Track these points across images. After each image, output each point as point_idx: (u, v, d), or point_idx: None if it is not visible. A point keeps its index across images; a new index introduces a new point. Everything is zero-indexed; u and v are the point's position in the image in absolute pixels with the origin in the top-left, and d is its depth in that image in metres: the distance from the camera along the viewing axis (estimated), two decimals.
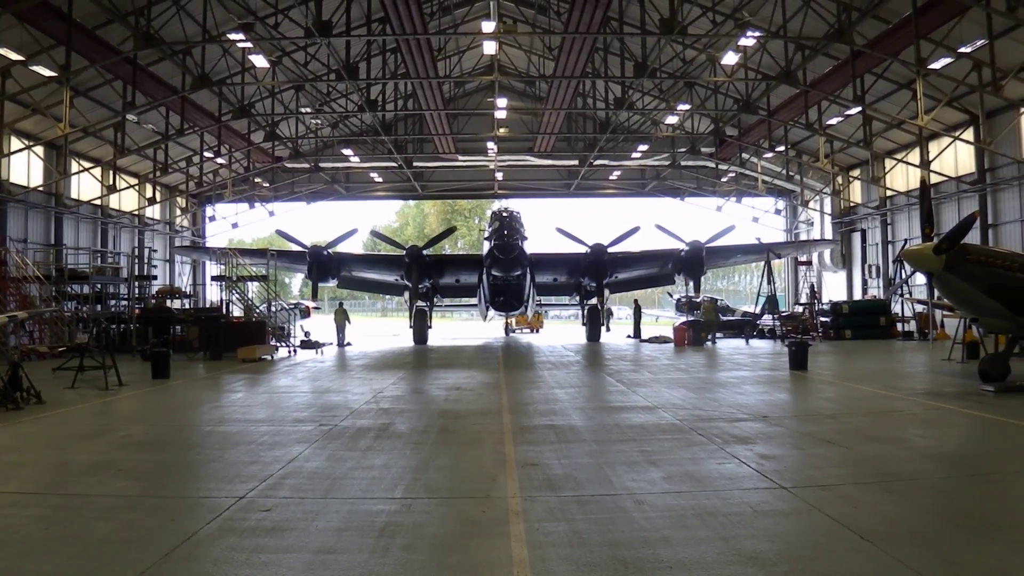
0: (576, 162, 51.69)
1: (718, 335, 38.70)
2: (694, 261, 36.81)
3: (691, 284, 39.82)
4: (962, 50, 28.47)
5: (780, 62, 33.87)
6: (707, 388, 17.88)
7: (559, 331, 57.84)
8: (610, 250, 36.72)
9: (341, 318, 39.15)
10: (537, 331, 54.93)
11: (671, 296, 54.27)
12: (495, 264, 35.39)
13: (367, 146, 51.00)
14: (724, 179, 53.80)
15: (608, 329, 54.25)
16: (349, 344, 37.84)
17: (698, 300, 43.48)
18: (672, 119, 45.37)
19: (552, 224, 37.85)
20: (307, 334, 38.81)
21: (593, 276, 37.81)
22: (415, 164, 52.05)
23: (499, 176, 54.38)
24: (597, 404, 15.66)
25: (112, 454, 10.80)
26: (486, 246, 35.32)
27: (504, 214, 34.41)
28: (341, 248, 37.88)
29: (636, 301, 47.23)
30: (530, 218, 34.74)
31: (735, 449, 10.60)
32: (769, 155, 47.22)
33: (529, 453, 10.56)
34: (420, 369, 24.86)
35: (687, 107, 42.41)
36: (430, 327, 39.72)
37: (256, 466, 9.89)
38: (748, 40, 31.47)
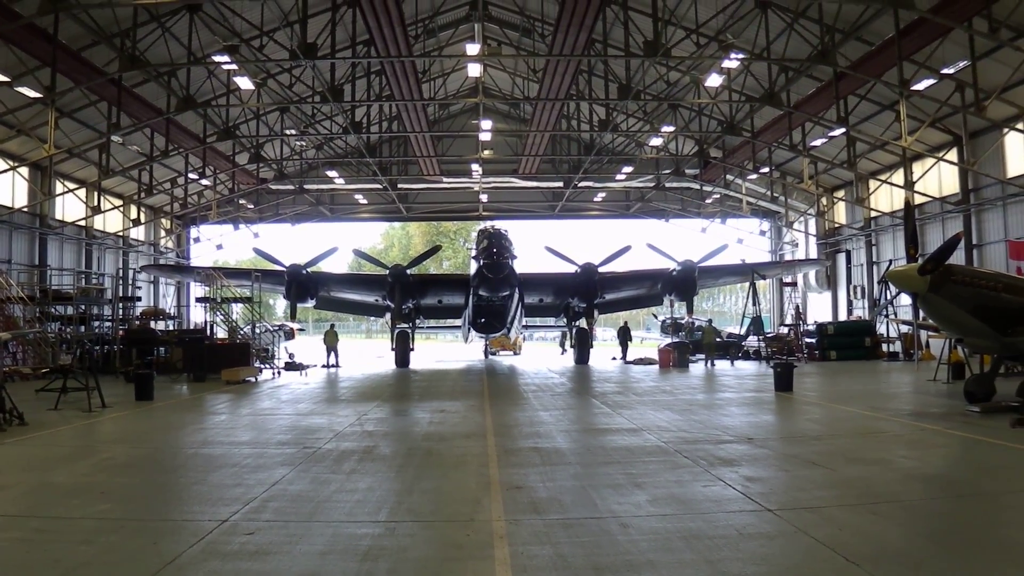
0: (561, 184, 51.73)
1: (698, 356, 38.81)
2: (687, 281, 36.60)
3: (677, 305, 39.69)
4: (945, 71, 28.67)
5: (764, 84, 34.04)
6: (692, 410, 17.83)
7: (541, 353, 57.77)
8: (600, 270, 36.53)
9: (332, 340, 39.02)
10: (517, 353, 54.90)
11: (656, 318, 54.21)
12: (483, 284, 34.89)
13: (352, 168, 50.99)
14: (709, 200, 53.90)
15: (564, 351, 54.12)
16: (339, 367, 37.72)
17: (684, 321, 43.58)
18: (656, 141, 45.54)
19: (536, 245, 38.08)
20: (291, 356, 38.67)
21: (583, 296, 37.47)
22: (400, 186, 52.11)
23: (484, 198, 54.44)
24: (582, 426, 15.65)
25: (94, 476, 10.71)
26: (473, 265, 34.93)
27: (493, 231, 33.96)
28: (322, 267, 37.64)
29: (625, 323, 47.06)
30: (516, 239, 34.55)
31: (720, 471, 10.58)
32: (753, 176, 47.39)
33: (514, 476, 10.53)
34: (404, 391, 24.82)
35: (671, 129, 42.60)
36: (412, 349, 39.63)
37: (239, 489, 9.83)
38: (732, 62, 31.55)
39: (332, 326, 42.29)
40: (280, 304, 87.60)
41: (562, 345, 56.63)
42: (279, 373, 33.01)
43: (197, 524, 8.19)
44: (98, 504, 9.11)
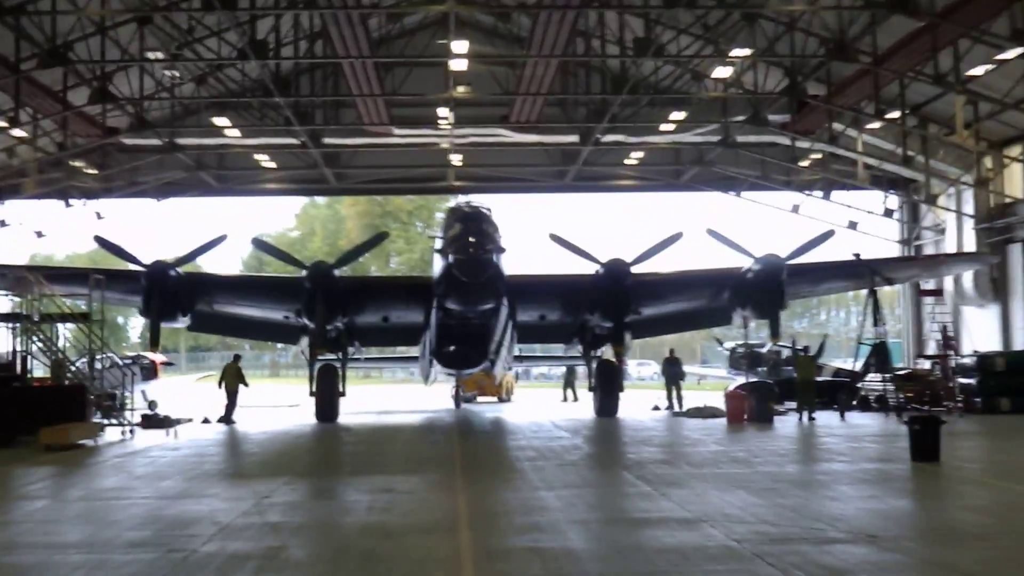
0: (575, 139, 51.45)
1: (788, 405, 39.17)
2: (769, 288, 36.61)
3: (754, 326, 39.94)
4: None
5: None
6: (780, 489, 17.97)
7: (542, 399, 58.13)
8: (635, 270, 36.65)
9: (233, 380, 39.40)
10: (505, 399, 55.31)
11: (721, 345, 54.73)
12: (454, 292, 35.03)
13: (252, 113, 50.66)
14: (805, 163, 53.81)
15: (576, 398, 54.32)
16: (232, 421, 38.17)
17: (765, 350, 43.50)
18: (723, 71, 45.32)
19: (537, 232, 37.91)
20: (153, 406, 38.48)
21: (608, 311, 37.47)
22: (326, 141, 51.87)
23: (456, 160, 54.24)
24: (607, 515, 15.85)
25: None
26: (439, 263, 34.88)
27: (470, 211, 33.85)
28: (203, 267, 37.67)
29: (673, 353, 46.69)
30: (505, 222, 34.57)
31: None
32: (875, 125, 47.04)
33: None
34: (330, 459, 25.33)
35: (747, 52, 42.36)
36: (343, 394, 39.99)
37: None
38: None
39: (236, 358, 42.50)
40: (136, 324, 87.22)
41: (568, 387, 57.37)
42: (133, 432, 32.98)
43: None
44: None
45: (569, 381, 57.20)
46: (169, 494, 18.60)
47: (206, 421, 37.88)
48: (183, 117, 51.35)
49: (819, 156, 53.07)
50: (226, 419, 38.02)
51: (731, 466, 21.77)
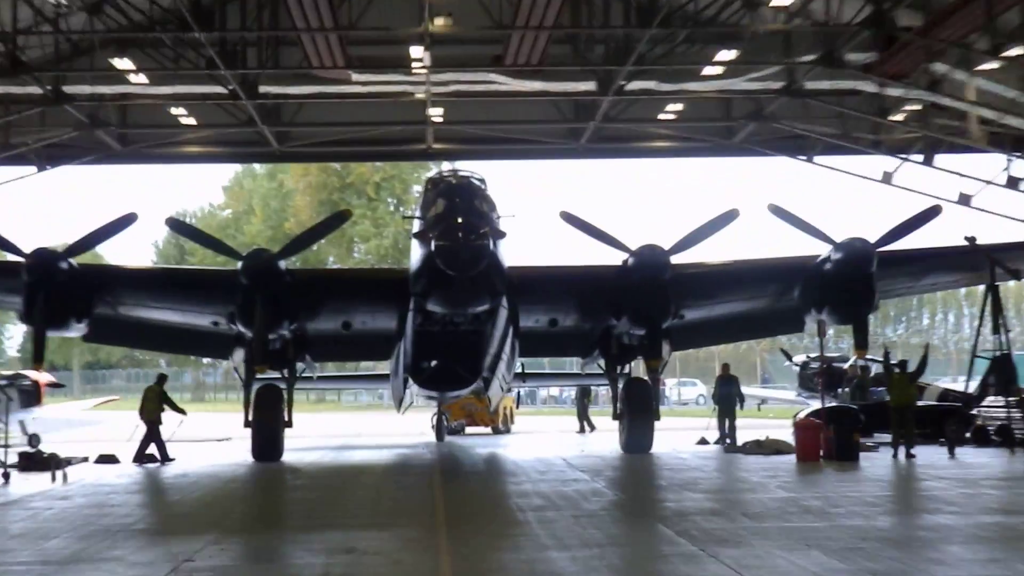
0: (592, 86, 50.91)
1: (878, 437, 39.45)
2: (853, 282, 36.82)
3: (832, 333, 39.93)
4: None
5: None
6: (868, 550, 17.81)
7: (551, 430, 58.63)
8: (675, 260, 37.01)
9: (154, 405, 40.00)
10: (502, 429, 56.24)
11: (790, 360, 55.02)
12: (437, 288, 34.49)
13: (164, 53, 50.07)
14: (898, 116, 53.31)
15: (591, 427, 54.60)
16: (161, 460, 38.79)
17: (848, 365, 43.72)
18: None
19: (545, 210, 37.86)
20: (34, 440, 38.52)
21: (639, 314, 37.85)
22: (263, 90, 51.41)
23: (436, 116, 53.92)
24: None
25: None
26: (416, 252, 34.77)
27: (457, 183, 33.93)
28: (104, 256, 37.74)
29: (727, 370, 47.35)
30: (502, 197, 34.69)
31: None
32: (991, 66, 46.97)
33: None
34: (272, 511, 25.48)
35: None
36: (289, 424, 40.40)
37: None
38: None
39: (160, 379, 42.86)
40: (15, 333, 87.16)
41: (583, 418, 57.92)
42: (7, 476, 33.25)
43: None
44: None
45: (582, 406, 57.73)
46: (56, 558, 18.48)
47: (163, 459, 38.56)
48: (72, 58, 50.48)
49: (917, 108, 52.38)
50: (139, 457, 38.36)
51: (803, 518, 21.69)
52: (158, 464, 38.03)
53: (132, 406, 38.77)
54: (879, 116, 53.28)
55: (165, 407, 40.66)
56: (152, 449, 38.95)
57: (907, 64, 47.35)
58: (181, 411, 40.94)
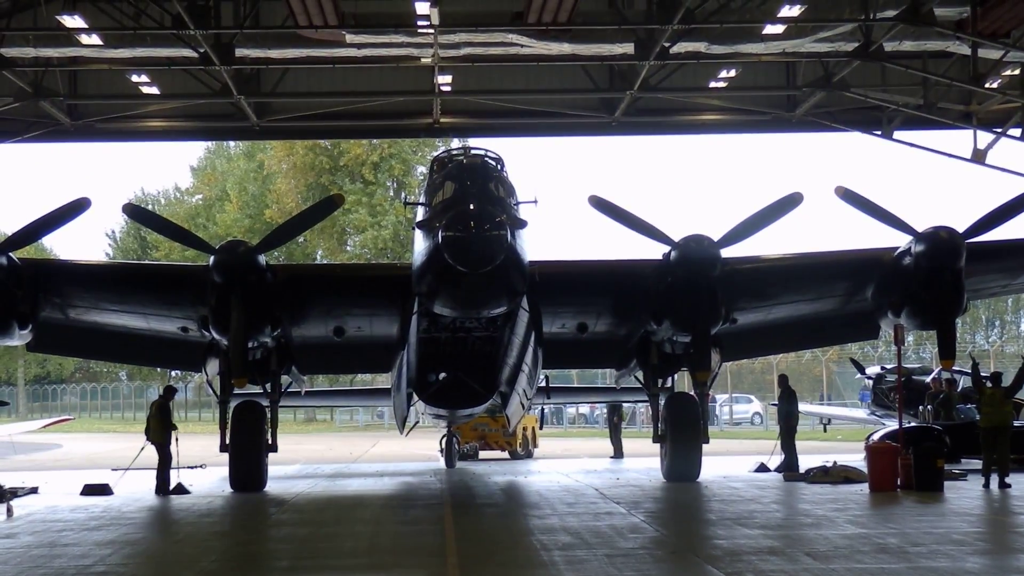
0: (630, 48, 49.00)
1: (967, 464, 39.44)
2: (937, 279, 35.54)
3: (913, 339, 37.66)
4: None
5: None
6: None
7: (582, 453, 60.14)
8: (726, 253, 36.08)
9: (159, 424, 39.73)
10: (522, 454, 56.70)
11: (861, 372, 54.56)
12: (445, 287, 33.49)
13: (121, 8, 48.03)
14: (993, 84, 51.66)
15: (620, 453, 57.11)
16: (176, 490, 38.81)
17: (931, 379, 43.79)
18: None
19: (574, 195, 35.75)
20: None
21: (684, 317, 36.84)
22: (240, 54, 49.31)
23: (445, 84, 52.45)
24: None
25: None
26: (421, 245, 33.60)
27: (468, 163, 33.03)
28: (53, 250, 36.04)
29: (784, 379, 45.96)
30: (522, 179, 34.02)
31: None
32: None
33: None
34: (252, 550, 25.36)
35: None
36: (273, 448, 39.71)
37: None
38: None
39: (167, 391, 42.62)
40: None
41: (614, 435, 58.18)
42: None
43: None
44: None
45: (613, 425, 57.20)
46: None
47: (163, 491, 38.48)
48: (11, 14, 48.41)
49: (1015, 73, 50.85)
50: (161, 487, 38.43)
51: (877, 559, 21.13)
52: (182, 491, 38.18)
53: (87, 427, 37.85)
54: (971, 83, 51.08)
55: (176, 425, 40.64)
56: (175, 475, 39.02)
57: (1007, 20, 45.50)
58: (173, 427, 40.13)
